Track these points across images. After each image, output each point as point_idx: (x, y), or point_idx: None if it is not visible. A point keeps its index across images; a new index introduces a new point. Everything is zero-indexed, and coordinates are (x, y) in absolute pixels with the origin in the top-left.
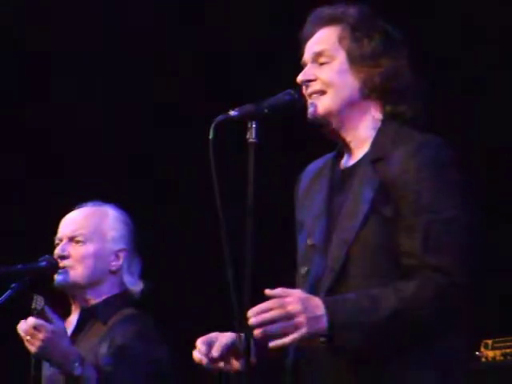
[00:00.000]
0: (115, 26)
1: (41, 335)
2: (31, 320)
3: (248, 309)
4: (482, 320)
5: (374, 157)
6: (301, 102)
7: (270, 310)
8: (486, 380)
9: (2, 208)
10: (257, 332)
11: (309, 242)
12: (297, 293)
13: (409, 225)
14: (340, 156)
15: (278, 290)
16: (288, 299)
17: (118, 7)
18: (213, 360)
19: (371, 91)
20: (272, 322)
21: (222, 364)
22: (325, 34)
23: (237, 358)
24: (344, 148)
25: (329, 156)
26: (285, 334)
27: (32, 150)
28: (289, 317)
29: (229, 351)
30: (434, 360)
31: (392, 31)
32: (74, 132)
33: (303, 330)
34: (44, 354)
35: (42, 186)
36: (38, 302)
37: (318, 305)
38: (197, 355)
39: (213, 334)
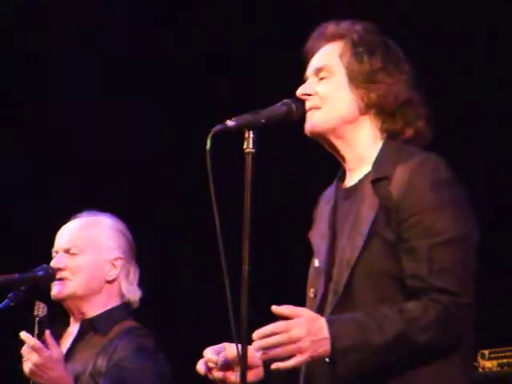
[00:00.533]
0: (115, 25)
1: (34, 359)
2: (31, 340)
3: (245, 318)
4: (479, 330)
5: (374, 177)
6: (299, 113)
7: (275, 333)
8: None
9: (2, 208)
10: (261, 356)
11: (316, 264)
12: (302, 312)
13: (412, 247)
14: (344, 175)
15: (285, 309)
16: (293, 322)
17: (118, 7)
18: (217, 368)
19: (369, 108)
20: (276, 345)
21: (222, 374)
22: (328, 49)
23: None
24: (346, 166)
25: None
26: (288, 357)
27: (32, 150)
28: (292, 341)
29: (233, 362)
30: (435, 376)
31: (395, 48)
32: (73, 132)
33: (306, 355)
34: (34, 377)
35: (43, 185)
36: (41, 308)
37: (321, 327)
38: (199, 365)
39: (223, 344)
